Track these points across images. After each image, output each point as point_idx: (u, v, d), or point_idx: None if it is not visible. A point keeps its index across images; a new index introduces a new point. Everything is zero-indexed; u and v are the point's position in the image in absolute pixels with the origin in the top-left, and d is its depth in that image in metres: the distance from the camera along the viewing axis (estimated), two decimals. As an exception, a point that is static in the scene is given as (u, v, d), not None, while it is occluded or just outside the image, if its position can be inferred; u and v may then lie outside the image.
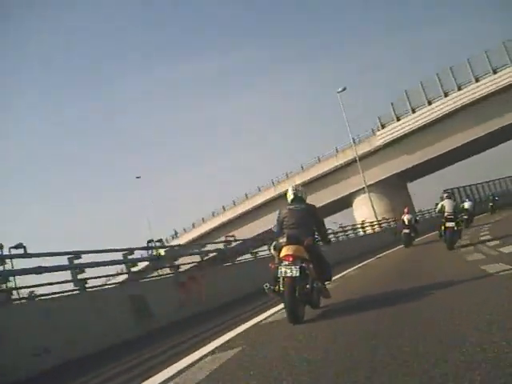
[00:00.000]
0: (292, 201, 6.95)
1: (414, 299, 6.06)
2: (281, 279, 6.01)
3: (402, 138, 43.42)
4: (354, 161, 44.54)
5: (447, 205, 14.22)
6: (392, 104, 43.97)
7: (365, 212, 44.20)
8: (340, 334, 4.91)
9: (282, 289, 5.99)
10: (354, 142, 45.79)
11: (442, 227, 13.95)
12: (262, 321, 6.84)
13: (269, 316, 7.12)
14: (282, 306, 6.49)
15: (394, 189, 46.73)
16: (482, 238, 14.97)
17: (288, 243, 6.24)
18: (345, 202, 49.46)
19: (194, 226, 62.96)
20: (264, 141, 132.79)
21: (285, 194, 7.40)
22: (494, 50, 38.53)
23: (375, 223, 34.46)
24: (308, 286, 6.11)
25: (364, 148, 45.51)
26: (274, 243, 6.65)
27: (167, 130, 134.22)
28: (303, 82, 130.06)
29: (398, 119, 43.44)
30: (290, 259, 6.01)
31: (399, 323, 4.85)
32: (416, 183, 54.07)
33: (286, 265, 6.00)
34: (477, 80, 39.25)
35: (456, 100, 40.17)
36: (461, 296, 5.64)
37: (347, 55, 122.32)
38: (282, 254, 6.15)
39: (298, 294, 5.88)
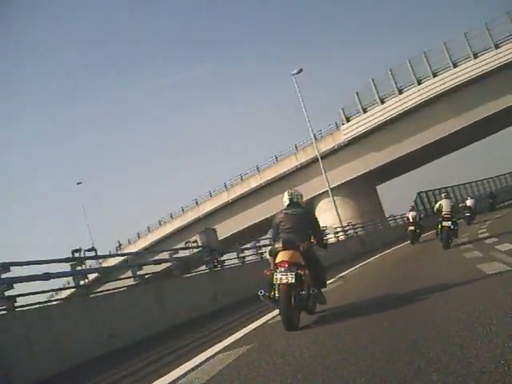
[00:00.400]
0: (288, 205, 6.90)
1: (408, 303, 6.06)
2: (276, 286, 5.98)
3: (370, 133, 38.01)
4: (315, 160, 39.07)
5: (445, 204, 14.55)
6: (357, 94, 38.48)
7: (329, 218, 38.32)
8: (334, 342, 4.86)
9: (277, 295, 5.96)
10: (316, 139, 40.24)
11: (439, 226, 14.18)
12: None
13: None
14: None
15: (361, 192, 41.37)
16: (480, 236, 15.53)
17: (284, 248, 6.19)
18: (308, 208, 43.62)
19: (139, 236, 56.61)
20: (218, 144, 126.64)
21: (282, 198, 7.07)
22: (474, 32, 33.59)
23: (339, 230, 28.81)
24: (304, 293, 6.05)
25: (327, 145, 39.97)
26: (270, 248, 6.63)
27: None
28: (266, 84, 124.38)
29: (365, 111, 38.01)
30: (286, 265, 5.98)
31: (393, 329, 4.82)
32: (387, 186, 48.90)
33: (281, 271, 5.97)
34: (455, 65, 34.18)
35: (431, 88, 35.03)
36: (457, 300, 5.56)
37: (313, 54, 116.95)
38: (278, 259, 6.13)
39: (293, 300, 5.89)
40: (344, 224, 32.07)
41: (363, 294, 8.43)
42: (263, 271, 6.39)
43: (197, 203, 49.68)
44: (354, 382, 3.22)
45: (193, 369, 4.90)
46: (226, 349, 5.58)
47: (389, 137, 37.31)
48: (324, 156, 39.57)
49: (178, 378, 4.64)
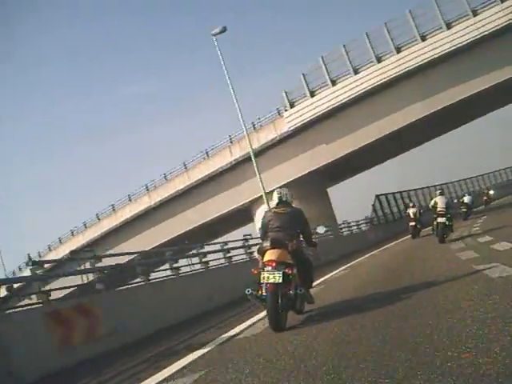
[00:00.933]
0: (277, 204, 6.84)
1: (397, 302, 5.97)
2: (263, 285, 5.93)
3: (319, 121, 31.35)
4: (255, 154, 32.23)
5: (439, 201, 15.35)
6: (303, 75, 31.68)
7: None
8: (320, 342, 4.78)
9: (264, 294, 5.91)
10: (254, 128, 33.44)
11: (435, 222, 14.97)
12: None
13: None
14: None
15: (309, 194, 34.61)
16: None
17: (272, 247, 6.15)
18: (247, 214, 36.47)
19: (50, 248, 48.03)
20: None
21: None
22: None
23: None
24: (291, 292, 5.98)
25: (268, 135, 33.03)
26: (259, 247, 6.66)
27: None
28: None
29: (313, 95, 31.27)
30: (273, 264, 5.94)
31: (380, 330, 4.66)
32: (340, 188, 42.33)
33: (268, 270, 5.92)
34: (423, 39, 28.00)
35: (393, 67, 28.74)
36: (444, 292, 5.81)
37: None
38: (266, 258, 6.10)
39: (280, 300, 5.83)
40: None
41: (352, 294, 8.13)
42: (251, 270, 6.34)
43: (114, 209, 41.60)
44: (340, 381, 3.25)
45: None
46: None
47: (341, 126, 30.77)
48: (264, 149, 32.85)
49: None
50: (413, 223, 21.69)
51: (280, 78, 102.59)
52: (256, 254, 6.94)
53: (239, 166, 34.13)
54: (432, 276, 7.60)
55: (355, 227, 31.21)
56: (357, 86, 29.58)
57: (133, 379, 5.18)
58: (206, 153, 35.79)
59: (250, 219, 36.37)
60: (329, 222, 30.52)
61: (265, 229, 6.67)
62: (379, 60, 29.15)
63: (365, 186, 48.25)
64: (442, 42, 27.04)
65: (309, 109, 30.99)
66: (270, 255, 6.06)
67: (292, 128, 31.69)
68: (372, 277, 10.48)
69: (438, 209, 14.96)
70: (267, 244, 6.25)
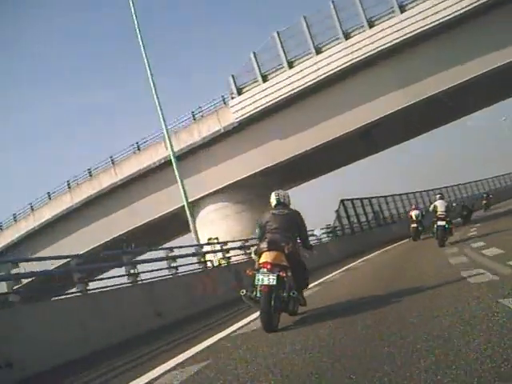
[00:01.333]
0: (275, 206, 6.94)
1: (386, 306, 6.05)
2: (258, 286, 6.01)
3: (273, 112, 25.56)
4: (196, 148, 26.55)
5: (439, 205, 15.35)
6: (254, 55, 25.71)
7: (216, 234, 25.12)
8: (311, 344, 4.78)
9: (258, 296, 5.99)
10: (195, 118, 27.48)
11: (435, 225, 14.95)
12: None
13: None
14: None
15: (260, 197, 28.87)
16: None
17: (268, 249, 6.20)
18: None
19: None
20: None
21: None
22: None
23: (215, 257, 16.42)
24: (285, 294, 6.04)
25: (210, 128, 27.00)
26: (256, 248, 6.69)
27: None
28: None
29: (266, 79, 25.39)
30: (268, 267, 6.02)
31: (369, 333, 4.81)
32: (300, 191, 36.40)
33: (263, 272, 6.01)
34: (402, 10, 22.39)
35: (365, 44, 23.03)
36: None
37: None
38: (262, 260, 6.17)
39: (273, 302, 5.89)
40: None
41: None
42: (246, 271, 6.49)
43: (32, 209, 34.97)
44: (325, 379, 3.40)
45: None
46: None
47: (300, 118, 25.02)
48: (206, 144, 26.85)
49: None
50: (414, 225, 21.61)
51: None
52: (253, 255, 6.88)
53: (179, 162, 28.01)
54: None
55: (315, 239, 25.51)
56: (319, 68, 23.85)
57: None
58: (138, 146, 29.53)
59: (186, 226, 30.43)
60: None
61: (262, 230, 6.75)
62: (347, 37, 23.47)
63: (331, 189, 42.17)
64: (426, 14, 21.47)
65: (260, 96, 25.09)
66: (266, 257, 6.15)
67: (239, 119, 25.74)
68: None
69: (438, 212, 15.16)
70: (264, 246, 6.33)
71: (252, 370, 4.03)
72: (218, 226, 27.52)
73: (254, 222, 27.96)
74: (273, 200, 7.01)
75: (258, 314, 6.09)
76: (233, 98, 26.02)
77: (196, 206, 29.16)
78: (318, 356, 4.14)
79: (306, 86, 24.14)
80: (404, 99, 23.50)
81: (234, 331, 6.52)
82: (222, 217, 28.29)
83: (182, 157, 27.62)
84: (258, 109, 25.14)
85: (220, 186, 27.45)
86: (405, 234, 24.10)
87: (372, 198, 32.28)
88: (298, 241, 6.95)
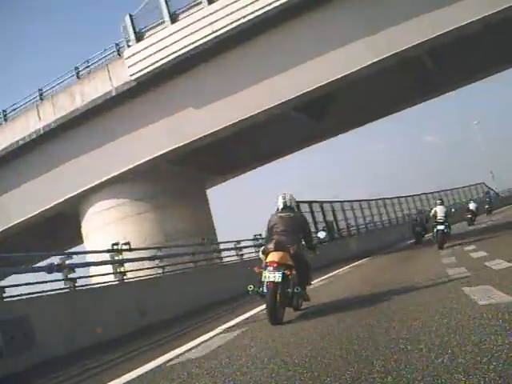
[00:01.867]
0: (282, 209, 7.30)
1: (376, 304, 6.46)
2: (265, 283, 6.48)
3: (185, 66, 17.75)
4: (79, 117, 18.88)
5: (439, 210, 16.01)
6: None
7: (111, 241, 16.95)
8: (310, 336, 5.12)
9: (265, 291, 6.45)
10: (79, 77, 19.66)
11: (434, 229, 15.79)
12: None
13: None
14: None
15: (172, 194, 21.47)
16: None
17: (275, 249, 6.70)
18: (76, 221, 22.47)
19: None
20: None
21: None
22: None
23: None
24: (289, 290, 6.54)
25: (99, 88, 18.94)
26: (263, 248, 7.12)
27: None
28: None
29: (175, 19, 17.63)
30: (275, 265, 6.50)
31: (361, 325, 5.12)
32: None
33: (270, 270, 6.49)
34: None
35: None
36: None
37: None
38: (268, 259, 6.65)
39: (279, 297, 6.40)
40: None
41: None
42: (253, 268, 6.92)
43: None
44: (321, 366, 3.56)
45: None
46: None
47: (225, 77, 17.37)
48: (91, 111, 18.99)
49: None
50: (418, 229, 21.76)
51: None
52: (260, 255, 7.30)
53: (55, 139, 19.96)
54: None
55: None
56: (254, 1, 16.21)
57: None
58: (5, 115, 21.19)
59: (78, 232, 22.26)
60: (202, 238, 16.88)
61: (270, 231, 7.20)
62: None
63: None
64: None
65: (167, 43, 17.28)
66: (273, 257, 6.64)
67: (136, 75, 17.82)
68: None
69: (438, 217, 15.82)
70: (271, 246, 6.81)
71: (256, 361, 4.18)
72: (113, 232, 19.73)
73: (160, 228, 18.99)
74: (279, 203, 7.45)
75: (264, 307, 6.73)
76: (129, 46, 18.10)
77: (83, 201, 21.25)
78: (316, 347, 4.43)
79: (232, 28, 16.46)
80: (368, 55, 16.11)
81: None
82: (118, 218, 20.42)
83: (59, 129, 19.68)
84: (164, 61, 17.28)
85: (113, 175, 19.54)
86: (368, 248, 23.29)
87: (324, 202, 24.67)
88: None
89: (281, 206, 7.37)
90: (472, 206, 28.67)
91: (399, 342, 3.83)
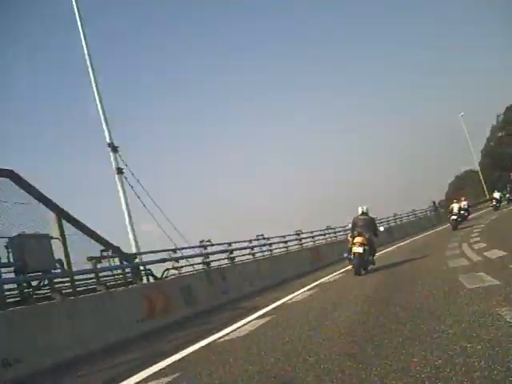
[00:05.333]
0: (360, 214, 13.66)
1: (411, 261, 13.17)
2: (352, 253, 12.72)
3: None
4: None
5: (454, 206, 26.33)
6: None
7: None
8: (375, 282, 10.36)
9: (352, 258, 12.75)
10: None
11: (450, 218, 25.93)
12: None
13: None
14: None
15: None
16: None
17: (358, 235, 12.96)
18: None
19: None
20: None
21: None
22: None
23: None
24: (365, 258, 12.75)
25: None
26: (350, 234, 13.58)
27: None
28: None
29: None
30: (358, 244, 12.71)
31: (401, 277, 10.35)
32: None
33: (356, 246, 12.68)
34: None
35: None
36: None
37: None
38: (355, 240, 12.83)
39: (360, 261, 12.58)
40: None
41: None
42: (347, 241, 13.85)
43: None
44: (376, 295, 8.13)
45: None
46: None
47: None
48: None
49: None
50: (454, 217, 26.22)
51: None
52: (348, 238, 13.69)
53: None
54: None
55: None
56: None
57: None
58: None
59: None
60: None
61: (354, 226, 13.41)
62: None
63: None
64: None
65: None
66: (357, 239, 12.82)
67: None
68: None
69: (454, 211, 26.14)
70: (356, 233, 13.07)
71: (348, 289, 9.74)
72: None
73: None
74: (359, 211, 13.83)
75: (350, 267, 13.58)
76: None
77: None
78: (378, 284, 9.73)
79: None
80: None
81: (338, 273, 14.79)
82: None
83: None
84: None
85: None
86: (409, 233, 34.05)
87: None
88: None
89: (359, 212, 13.69)
90: (496, 194, 37.30)
91: (418, 284, 8.09)
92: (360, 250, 12.46)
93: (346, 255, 13.48)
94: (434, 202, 46.54)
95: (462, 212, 27.32)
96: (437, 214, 43.81)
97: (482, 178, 63.45)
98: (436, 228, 33.26)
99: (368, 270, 12.84)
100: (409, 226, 35.89)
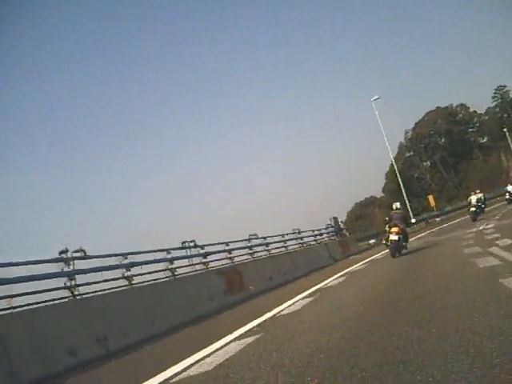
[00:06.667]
0: (395, 209, 16.85)
1: (436, 246, 16.20)
2: (389, 240, 15.74)
3: None
4: None
5: (473, 198, 27.68)
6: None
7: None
8: (407, 262, 13.10)
9: (389, 244, 15.94)
10: None
11: (469, 210, 27.56)
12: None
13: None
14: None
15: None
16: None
17: (394, 225, 15.78)
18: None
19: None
20: None
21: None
22: None
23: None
24: (400, 244, 15.54)
25: None
26: (387, 224, 16.94)
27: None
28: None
29: None
30: (394, 233, 15.48)
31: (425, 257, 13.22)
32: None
33: (392, 235, 15.47)
34: None
35: None
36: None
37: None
38: (392, 230, 15.62)
39: (396, 247, 15.40)
40: None
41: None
42: (385, 228, 17.61)
43: None
44: (408, 275, 9.94)
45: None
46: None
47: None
48: None
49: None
50: (473, 209, 27.50)
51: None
52: (387, 228, 17.03)
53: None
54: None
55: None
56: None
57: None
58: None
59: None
60: None
61: (391, 219, 16.60)
62: None
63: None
64: None
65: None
66: (394, 229, 15.59)
67: None
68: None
69: (472, 203, 27.42)
70: (392, 224, 16.01)
71: (386, 267, 13.23)
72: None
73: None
74: (394, 207, 16.97)
75: (387, 251, 16.87)
76: None
77: None
78: (407, 263, 12.47)
79: None
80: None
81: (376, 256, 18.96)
82: None
83: None
84: None
85: None
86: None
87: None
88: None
89: (394, 208, 16.92)
90: (510, 188, 36.00)
91: (437, 260, 11.09)
92: (396, 237, 15.37)
93: (384, 242, 19.20)
94: (336, 219, 30.35)
95: (479, 204, 27.55)
96: (341, 239, 28.89)
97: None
98: (343, 267, 16.59)
99: (402, 254, 15.72)
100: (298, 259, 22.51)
